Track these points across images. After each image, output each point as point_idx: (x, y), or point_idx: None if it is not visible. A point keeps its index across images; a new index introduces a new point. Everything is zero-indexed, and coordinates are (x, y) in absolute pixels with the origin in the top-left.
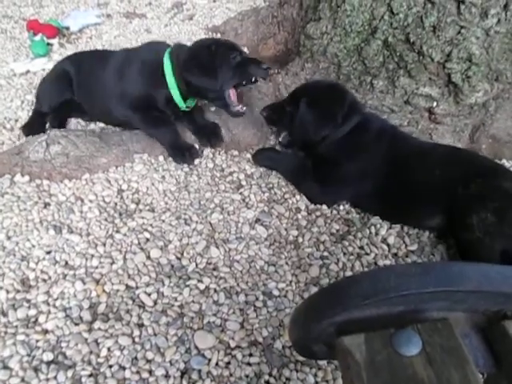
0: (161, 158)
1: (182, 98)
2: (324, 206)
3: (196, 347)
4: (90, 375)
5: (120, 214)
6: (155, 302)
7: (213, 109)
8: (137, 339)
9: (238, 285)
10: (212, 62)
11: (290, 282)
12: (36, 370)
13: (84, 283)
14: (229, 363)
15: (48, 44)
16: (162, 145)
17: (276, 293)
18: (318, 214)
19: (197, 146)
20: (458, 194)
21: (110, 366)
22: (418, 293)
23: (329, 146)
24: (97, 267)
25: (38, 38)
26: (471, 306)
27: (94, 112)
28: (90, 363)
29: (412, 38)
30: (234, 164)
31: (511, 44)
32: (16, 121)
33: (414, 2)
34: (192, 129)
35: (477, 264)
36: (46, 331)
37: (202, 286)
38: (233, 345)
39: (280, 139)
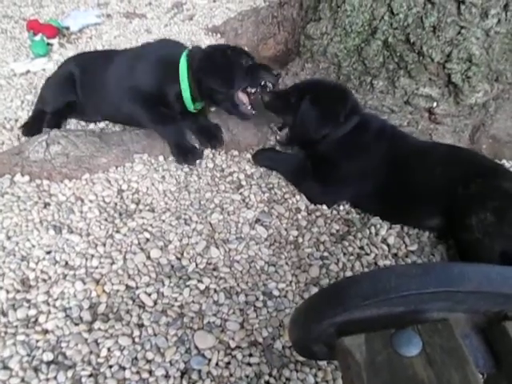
0: (161, 158)
1: (192, 100)
2: (324, 207)
3: (196, 347)
4: (90, 375)
5: (120, 214)
6: (155, 302)
7: (213, 109)
8: (137, 339)
9: (238, 285)
10: (226, 64)
11: (290, 282)
12: (36, 370)
13: (84, 283)
14: (229, 363)
15: (48, 44)
16: (168, 143)
17: (276, 293)
18: (318, 214)
19: (197, 146)
20: (457, 194)
21: (110, 366)
22: (419, 293)
23: (328, 146)
24: (97, 267)
25: (38, 38)
26: (471, 306)
27: (99, 110)
28: (90, 363)
29: (412, 39)
30: (234, 164)
31: (511, 44)
32: (16, 121)
33: (414, 3)
34: (193, 129)
35: (477, 265)
36: (45, 331)
37: (202, 286)
38: (233, 345)
39: (278, 137)
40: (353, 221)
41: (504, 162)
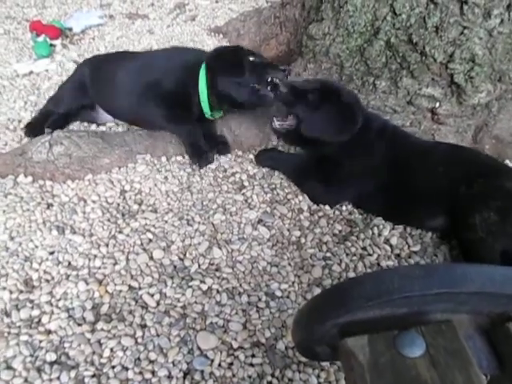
0: (163, 158)
1: (210, 106)
2: (327, 207)
3: (199, 348)
4: (93, 376)
5: (123, 215)
6: (158, 303)
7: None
8: (140, 340)
9: (240, 285)
10: (238, 60)
11: (293, 282)
12: (39, 370)
13: (87, 284)
14: (231, 364)
15: (51, 45)
16: (183, 142)
17: (279, 293)
18: (321, 214)
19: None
20: (460, 193)
21: (113, 367)
22: (422, 294)
23: (332, 145)
24: (100, 268)
25: (40, 38)
26: (474, 307)
27: (113, 111)
28: (92, 364)
29: (415, 39)
30: (236, 165)
31: None
32: (19, 121)
33: (416, 3)
34: (203, 134)
35: (480, 266)
36: (49, 332)
37: (204, 287)
38: (235, 345)
39: (276, 124)
40: (355, 221)
41: (507, 162)
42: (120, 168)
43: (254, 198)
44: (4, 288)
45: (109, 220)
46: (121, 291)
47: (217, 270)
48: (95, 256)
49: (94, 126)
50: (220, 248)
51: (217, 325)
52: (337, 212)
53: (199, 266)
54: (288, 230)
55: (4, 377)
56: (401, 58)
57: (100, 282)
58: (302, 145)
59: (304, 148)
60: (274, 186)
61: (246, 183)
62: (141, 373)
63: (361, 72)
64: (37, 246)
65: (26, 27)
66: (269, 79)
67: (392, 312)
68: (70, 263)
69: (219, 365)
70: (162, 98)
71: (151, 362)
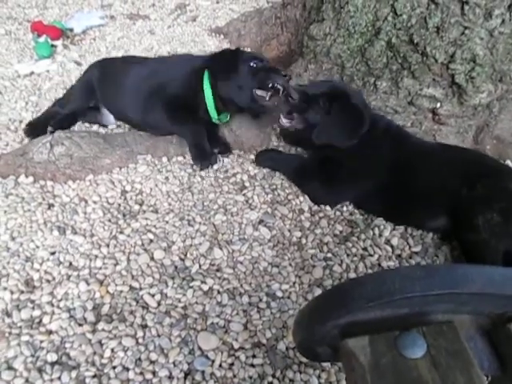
0: (164, 159)
1: (217, 110)
2: (327, 208)
3: (199, 348)
4: (94, 376)
5: (124, 215)
6: (159, 303)
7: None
8: (140, 340)
9: (241, 286)
10: (238, 64)
11: (294, 283)
12: (40, 370)
13: (88, 284)
14: (232, 364)
15: (52, 45)
16: (187, 142)
17: (279, 294)
18: (322, 215)
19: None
20: (463, 194)
21: (114, 367)
22: (423, 295)
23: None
24: (100, 268)
25: (42, 39)
26: (476, 308)
27: (119, 113)
28: (93, 364)
29: (416, 39)
30: (237, 165)
31: None
32: (20, 122)
33: (417, 3)
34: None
35: (481, 266)
36: (50, 332)
37: (205, 287)
38: (236, 346)
39: (283, 121)
40: (356, 222)
41: (508, 162)
42: (121, 168)
43: (254, 199)
44: (5, 288)
45: (110, 220)
46: (122, 291)
47: (218, 270)
48: (96, 256)
49: (95, 127)
50: (221, 248)
51: (218, 325)
52: (337, 213)
53: (200, 266)
54: (289, 230)
55: (5, 377)
56: (402, 58)
57: (101, 283)
58: (306, 146)
59: (306, 149)
60: (274, 186)
61: (246, 184)
62: (142, 373)
63: (362, 72)
64: (38, 247)
65: (28, 28)
66: (270, 84)
67: (393, 313)
68: (71, 263)
69: (220, 365)
70: (168, 101)
71: (152, 362)
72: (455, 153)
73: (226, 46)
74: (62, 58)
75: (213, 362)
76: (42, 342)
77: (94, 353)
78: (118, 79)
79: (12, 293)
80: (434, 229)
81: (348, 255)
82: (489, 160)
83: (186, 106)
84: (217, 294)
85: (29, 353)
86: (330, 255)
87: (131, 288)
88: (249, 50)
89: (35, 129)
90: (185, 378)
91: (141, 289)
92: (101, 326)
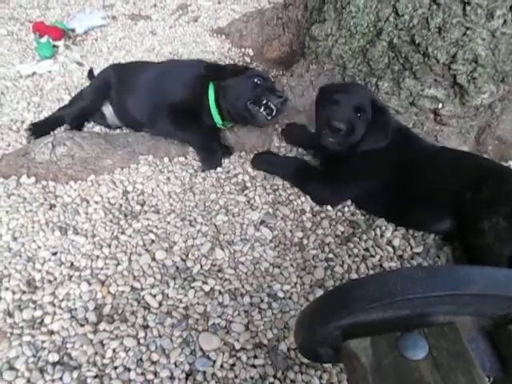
0: (166, 159)
1: (221, 117)
2: (329, 208)
3: (201, 349)
4: (96, 376)
5: (125, 216)
6: (160, 304)
7: None
8: (142, 341)
9: (242, 286)
10: (236, 81)
11: (295, 283)
12: (42, 370)
13: (89, 284)
14: (233, 365)
15: (54, 46)
16: (192, 145)
17: (281, 295)
18: (323, 215)
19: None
20: (468, 198)
21: (115, 368)
22: (425, 296)
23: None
24: (102, 268)
25: (44, 39)
26: (477, 309)
27: (126, 116)
28: (95, 364)
29: (417, 40)
30: (238, 166)
31: None
32: (22, 122)
33: (419, 4)
34: None
35: (482, 267)
36: (51, 332)
37: (206, 288)
38: (238, 347)
39: (330, 140)
40: (358, 222)
41: (510, 163)
42: (122, 169)
43: (256, 199)
44: (7, 288)
45: (111, 221)
46: (123, 292)
47: (219, 270)
48: (98, 257)
49: (97, 128)
50: (222, 249)
51: (219, 326)
52: (339, 213)
53: (201, 266)
54: (290, 231)
55: (7, 377)
56: (403, 58)
57: (102, 283)
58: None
59: (308, 149)
60: (276, 187)
61: (248, 184)
62: (143, 374)
63: (363, 73)
64: (39, 247)
65: (29, 28)
66: (264, 101)
67: (395, 314)
68: (72, 264)
69: (221, 366)
70: (173, 107)
71: (153, 362)
72: (461, 156)
73: (227, 46)
74: (63, 59)
75: (214, 362)
76: (43, 342)
77: (96, 353)
78: (129, 85)
79: (14, 293)
80: (438, 231)
81: (349, 256)
82: (492, 164)
83: (190, 112)
84: (218, 295)
85: (30, 353)
86: (331, 256)
87: (133, 288)
88: (250, 50)
89: (40, 129)
90: (186, 378)
91: (142, 289)
92: (102, 326)
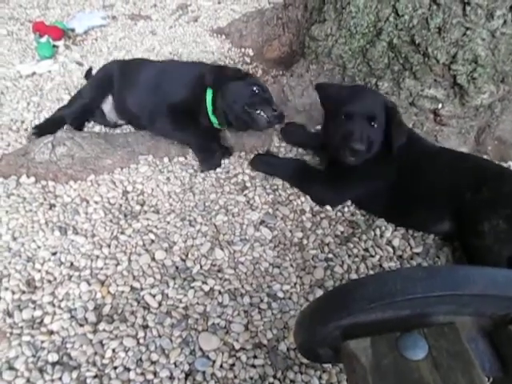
0: (165, 159)
1: (216, 119)
2: (329, 208)
3: (200, 349)
4: (95, 376)
5: (125, 216)
6: (160, 304)
7: None
8: (141, 341)
9: (242, 287)
10: (235, 88)
11: (295, 284)
12: (41, 370)
13: (89, 284)
14: (233, 365)
15: (54, 46)
16: (190, 146)
17: (280, 295)
18: (323, 215)
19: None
20: (468, 199)
21: (115, 368)
22: (424, 296)
23: None
24: (102, 268)
25: (43, 39)
26: (477, 309)
27: (126, 113)
28: (94, 364)
29: (417, 40)
30: (238, 166)
31: None
32: (22, 122)
33: (419, 4)
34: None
35: (482, 268)
36: (51, 332)
37: (206, 288)
38: (237, 347)
39: (358, 146)
40: (357, 222)
41: (510, 163)
42: (122, 169)
43: (256, 199)
44: (6, 288)
45: (111, 221)
46: (123, 292)
47: (219, 271)
48: (97, 257)
49: (97, 128)
50: (222, 249)
51: (219, 326)
52: (339, 213)
53: (201, 266)
54: (290, 231)
55: (6, 377)
56: (403, 59)
57: (102, 283)
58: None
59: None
60: (276, 187)
61: (248, 184)
62: (143, 374)
63: (363, 73)
64: (39, 247)
65: (29, 28)
66: (257, 111)
67: (394, 314)
68: (72, 264)
69: (221, 366)
70: (172, 107)
71: (153, 362)
72: (459, 156)
73: (227, 46)
74: (63, 59)
75: (214, 362)
76: (43, 342)
77: (95, 353)
78: (130, 82)
79: (13, 293)
80: (438, 232)
81: (349, 256)
82: (492, 165)
83: (188, 112)
84: (218, 295)
85: (30, 353)
86: (331, 256)
87: (132, 288)
88: (250, 50)
89: (45, 130)
90: (186, 378)
91: (142, 289)
92: (102, 326)
